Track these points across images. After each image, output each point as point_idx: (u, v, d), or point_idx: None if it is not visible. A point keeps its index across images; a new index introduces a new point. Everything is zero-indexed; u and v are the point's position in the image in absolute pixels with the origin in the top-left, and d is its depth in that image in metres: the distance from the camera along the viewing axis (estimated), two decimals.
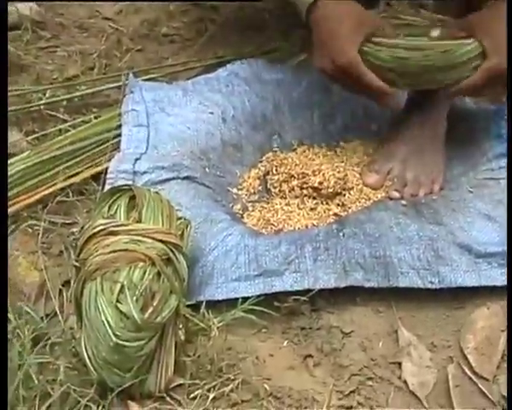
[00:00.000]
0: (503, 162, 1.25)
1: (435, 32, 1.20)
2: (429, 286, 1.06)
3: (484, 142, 1.29)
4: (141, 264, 0.91)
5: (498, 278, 1.07)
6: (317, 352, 1.01)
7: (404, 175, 1.25)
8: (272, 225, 1.17)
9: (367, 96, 1.19)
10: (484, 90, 1.18)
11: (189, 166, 1.23)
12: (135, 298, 0.86)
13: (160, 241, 0.95)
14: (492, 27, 1.13)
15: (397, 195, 1.23)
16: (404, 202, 1.20)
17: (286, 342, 1.02)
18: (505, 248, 1.09)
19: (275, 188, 1.25)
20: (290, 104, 1.39)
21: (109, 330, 0.85)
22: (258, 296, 1.03)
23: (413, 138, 1.26)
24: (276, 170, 1.26)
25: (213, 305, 1.03)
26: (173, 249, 0.96)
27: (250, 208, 1.23)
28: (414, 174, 1.25)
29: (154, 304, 0.88)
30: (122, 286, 0.87)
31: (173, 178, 1.21)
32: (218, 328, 0.98)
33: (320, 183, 1.21)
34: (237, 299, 1.03)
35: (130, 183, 1.16)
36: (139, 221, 0.97)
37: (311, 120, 1.38)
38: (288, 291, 1.04)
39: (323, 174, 1.21)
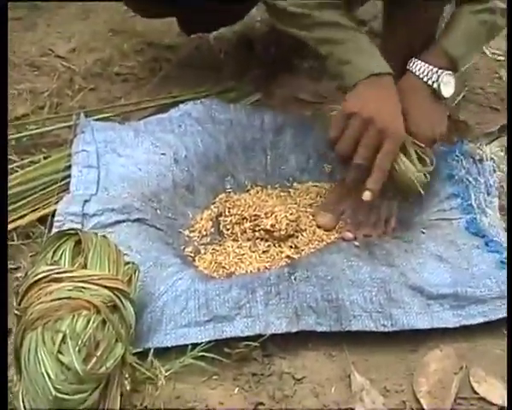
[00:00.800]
0: (455, 203, 1.26)
1: None
2: (382, 329, 1.06)
3: (435, 182, 1.30)
4: (85, 312, 0.89)
5: (450, 319, 1.07)
6: (269, 399, 0.99)
7: (357, 216, 1.25)
8: (224, 268, 1.16)
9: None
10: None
11: (140, 209, 1.21)
12: (77, 348, 0.84)
13: (106, 287, 0.93)
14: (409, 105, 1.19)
15: (350, 236, 1.23)
16: (356, 243, 1.20)
17: (237, 389, 1.00)
18: (457, 289, 1.09)
19: (227, 230, 1.24)
20: (244, 145, 1.39)
21: (49, 383, 0.82)
22: (209, 342, 1.01)
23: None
24: (229, 211, 1.25)
25: (162, 352, 1.01)
26: (120, 296, 0.94)
27: (202, 251, 1.22)
28: (367, 215, 1.25)
29: (98, 354, 0.86)
30: (64, 336, 0.85)
31: (123, 221, 1.19)
32: (166, 376, 0.96)
33: (272, 225, 1.20)
34: (187, 345, 1.01)
35: (78, 226, 1.15)
36: (84, 267, 0.95)
37: (264, 161, 1.38)
38: (238, 337, 1.03)
39: (276, 216, 1.21)
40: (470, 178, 1.29)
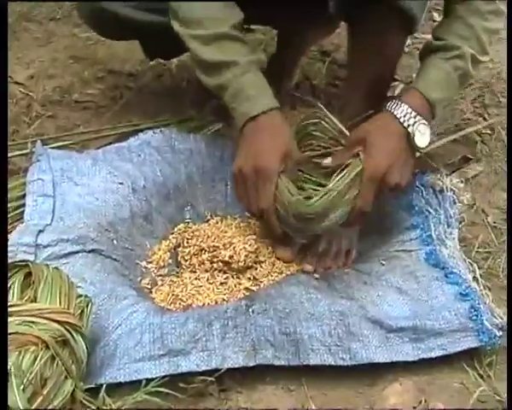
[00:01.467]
0: (414, 234, 1.26)
1: (327, 161, 1.22)
2: (341, 363, 1.05)
3: (395, 214, 1.31)
4: (32, 348, 0.86)
5: (410, 353, 1.07)
6: None
7: (317, 248, 1.25)
8: (181, 300, 1.15)
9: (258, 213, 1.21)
10: (379, 196, 1.20)
11: (96, 239, 1.20)
12: (22, 386, 0.81)
13: (56, 321, 0.90)
14: (373, 135, 1.17)
15: (310, 268, 1.22)
16: (316, 275, 1.20)
17: None
18: (416, 322, 1.09)
19: (185, 261, 1.23)
20: (203, 175, 1.38)
21: None
22: (163, 377, 0.99)
23: None
24: (188, 242, 1.24)
25: (115, 388, 0.99)
26: (71, 330, 0.91)
27: (159, 283, 1.20)
28: (327, 247, 1.25)
29: (45, 392, 0.83)
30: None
31: (78, 252, 1.17)
32: None
33: (230, 256, 1.19)
34: (141, 381, 0.99)
35: (31, 257, 1.13)
36: (34, 300, 0.92)
37: (224, 191, 1.37)
38: (194, 371, 1.01)
39: (234, 247, 1.20)
40: (430, 209, 1.30)
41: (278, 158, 1.18)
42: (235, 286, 1.18)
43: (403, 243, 1.26)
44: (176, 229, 1.31)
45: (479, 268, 1.22)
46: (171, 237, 1.29)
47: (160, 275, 1.22)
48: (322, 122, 1.25)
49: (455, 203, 1.32)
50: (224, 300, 1.15)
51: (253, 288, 1.18)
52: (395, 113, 1.19)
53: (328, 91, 1.74)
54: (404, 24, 1.21)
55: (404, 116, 1.18)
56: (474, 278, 1.19)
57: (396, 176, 1.17)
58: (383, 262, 1.21)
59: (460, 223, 1.31)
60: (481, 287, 1.17)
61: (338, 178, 1.16)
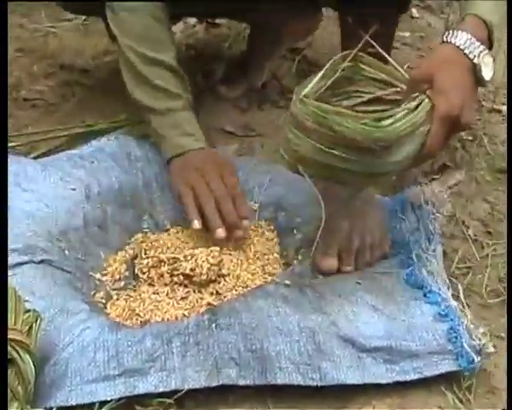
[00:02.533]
0: (394, 260, 1.29)
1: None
2: (310, 383, 1.07)
3: None
4: None
5: (383, 375, 1.09)
6: None
7: (352, 245, 1.28)
8: (138, 315, 1.16)
9: None
10: (450, 137, 1.19)
11: (45, 249, 1.21)
12: None
13: None
14: (441, 71, 1.16)
15: (350, 268, 1.27)
16: (287, 281, 1.21)
17: None
18: (391, 342, 1.11)
19: (143, 273, 1.24)
20: (163, 182, 1.40)
21: None
22: (119, 400, 1.01)
23: (353, 209, 1.29)
24: (146, 253, 1.26)
25: None
26: (17, 348, 0.92)
27: (114, 297, 1.21)
28: (361, 242, 1.28)
29: None
30: None
31: (26, 263, 1.18)
32: None
33: (192, 269, 1.21)
34: (94, 403, 1.00)
35: None
36: None
37: None
38: (152, 393, 1.02)
39: (196, 260, 1.21)
40: (409, 228, 1.33)
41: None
42: (197, 301, 1.19)
43: (382, 267, 1.29)
44: (133, 239, 1.32)
45: (459, 285, 1.25)
46: (127, 247, 1.31)
47: (116, 288, 1.23)
48: (363, 65, 1.24)
49: (434, 215, 1.35)
50: (184, 315, 1.16)
51: (216, 303, 1.19)
52: (457, 43, 1.17)
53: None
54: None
55: (468, 47, 1.16)
56: (455, 296, 1.22)
57: (468, 115, 1.15)
58: (359, 282, 1.24)
59: (439, 236, 1.34)
60: (461, 306, 1.20)
61: (408, 106, 1.12)
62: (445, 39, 1.18)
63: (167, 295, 1.20)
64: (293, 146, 1.12)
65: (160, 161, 1.42)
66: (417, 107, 1.12)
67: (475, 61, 1.16)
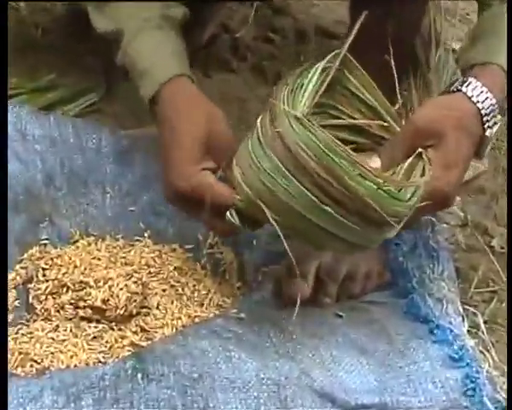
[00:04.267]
0: (389, 290, 1.32)
1: (374, 162, 1.23)
2: None
3: None
4: None
5: None
6: None
7: (339, 271, 1.30)
8: (33, 361, 1.15)
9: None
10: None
11: None
12: None
13: None
14: (452, 136, 1.21)
15: (328, 301, 1.29)
16: (241, 314, 1.22)
17: None
18: (385, 398, 1.13)
19: (40, 303, 1.24)
20: (71, 174, 1.40)
21: None
22: None
23: None
24: (44, 275, 1.26)
25: None
26: None
27: None
28: (353, 269, 1.31)
29: None
30: None
31: None
32: None
33: (104, 300, 1.21)
34: None
35: None
36: None
37: (101, 200, 1.40)
38: None
39: (111, 286, 1.22)
40: (405, 248, 1.36)
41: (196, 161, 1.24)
42: (116, 341, 1.20)
43: (372, 296, 1.31)
44: (26, 255, 1.32)
45: (478, 316, 1.28)
46: (18, 266, 1.30)
47: None
48: (350, 76, 1.28)
49: (434, 227, 1.38)
50: (99, 361, 1.16)
51: (143, 343, 1.20)
52: (480, 106, 1.22)
53: (257, 49, 1.80)
54: None
55: (489, 115, 1.23)
56: (473, 332, 1.24)
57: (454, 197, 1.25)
58: (340, 314, 1.25)
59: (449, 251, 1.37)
60: (482, 345, 1.22)
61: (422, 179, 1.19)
62: (464, 90, 1.23)
63: (72, 332, 1.20)
64: (266, 180, 1.13)
65: (68, 145, 1.42)
66: (424, 173, 1.18)
67: (487, 133, 1.23)
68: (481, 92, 1.22)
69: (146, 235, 1.38)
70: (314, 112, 1.21)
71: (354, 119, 1.27)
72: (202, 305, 1.29)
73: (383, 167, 1.22)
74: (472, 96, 1.22)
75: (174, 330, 1.23)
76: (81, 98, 1.53)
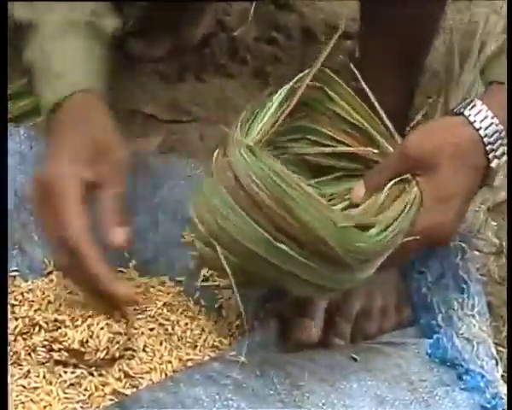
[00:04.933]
0: (411, 328, 1.32)
1: (357, 190, 1.25)
2: None
3: None
4: None
5: None
6: None
7: (352, 308, 1.31)
8: None
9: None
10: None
11: None
12: None
13: None
14: (447, 165, 1.21)
15: (340, 342, 1.30)
16: (241, 358, 1.21)
17: None
18: None
19: (7, 345, 1.21)
20: None
21: None
22: None
23: None
24: (13, 313, 1.25)
25: None
26: None
27: None
28: (367, 305, 1.32)
29: None
30: None
31: None
32: None
33: (83, 342, 1.20)
34: None
35: None
36: None
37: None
38: None
39: (90, 326, 1.21)
40: (429, 278, 1.35)
41: (81, 162, 1.25)
42: (97, 389, 1.19)
43: (391, 336, 1.31)
44: None
45: None
46: None
47: None
48: (332, 93, 1.29)
49: (464, 254, 1.37)
50: None
51: (127, 391, 1.19)
52: (482, 133, 1.21)
53: (258, 50, 1.80)
54: None
55: (494, 142, 1.21)
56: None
57: (451, 234, 1.25)
58: (355, 357, 1.25)
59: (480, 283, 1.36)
60: None
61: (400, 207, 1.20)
62: (467, 114, 1.22)
63: (46, 378, 1.19)
64: (216, 215, 1.15)
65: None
66: (409, 204, 1.20)
67: (493, 164, 1.22)
68: (485, 117, 1.21)
69: (131, 265, 1.38)
70: (292, 138, 1.27)
71: (339, 141, 1.29)
72: (195, 346, 1.29)
73: (366, 195, 1.23)
74: (475, 121, 1.21)
75: (163, 375, 1.23)
76: None
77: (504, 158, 1.22)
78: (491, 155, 1.21)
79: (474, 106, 1.21)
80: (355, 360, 1.25)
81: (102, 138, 1.29)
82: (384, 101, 1.29)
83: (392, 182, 1.21)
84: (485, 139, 1.20)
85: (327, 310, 1.29)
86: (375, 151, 1.28)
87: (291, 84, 1.24)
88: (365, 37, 1.44)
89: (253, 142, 1.15)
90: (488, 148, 1.20)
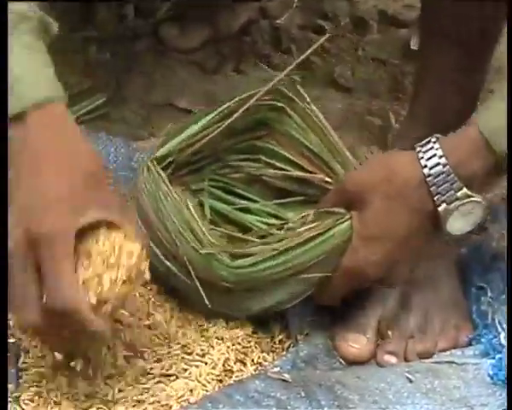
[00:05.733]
0: (473, 349, 1.29)
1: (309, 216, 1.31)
2: None
3: None
4: None
5: None
6: None
7: (407, 325, 1.30)
8: None
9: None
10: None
11: None
12: None
13: None
14: (377, 199, 1.22)
15: (392, 360, 1.28)
16: (285, 375, 1.20)
17: None
18: None
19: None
20: None
21: None
22: None
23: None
24: None
25: None
26: None
27: None
28: (423, 322, 1.30)
29: None
30: None
31: None
32: None
33: None
34: None
35: None
36: None
37: None
38: None
39: None
40: (491, 293, 1.34)
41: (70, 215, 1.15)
42: None
43: (450, 355, 1.29)
44: None
45: None
46: None
47: None
48: (292, 112, 1.33)
49: None
50: None
51: None
52: (424, 168, 1.19)
53: (304, 39, 1.78)
54: None
55: (436, 178, 1.19)
56: None
57: (383, 271, 1.26)
58: (410, 377, 1.23)
59: None
60: None
61: (302, 234, 1.24)
62: (418, 149, 1.21)
63: None
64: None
65: None
66: (315, 237, 1.24)
67: (441, 208, 1.19)
68: (433, 155, 1.18)
69: None
70: (247, 158, 1.37)
71: (297, 164, 1.35)
72: (232, 361, 1.27)
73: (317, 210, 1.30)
74: (422, 157, 1.19)
75: (200, 395, 1.21)
76: (85, 101, 1.50)
77: (456, 204, 1.18)
78: (436, 198, 1.18)
79: (428, 142, 1.19)
80: (410, 381, 1.22)
81: (92, 169, 1.19)
82: (447, 97, 1.30)
83: (312, 212, 1.29)
84: (429, 179, 1.18)
85: (379, 325, 1.29)
86: (327, 179, 1.33)
87: (230, 103, 1.33)
88: (427, 24, 1.39)
89: (154, 159, 1.28)
90: (432, 189, 1.18)
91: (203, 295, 1.23)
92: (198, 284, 1.23)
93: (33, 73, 1.20)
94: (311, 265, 1.23)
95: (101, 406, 1.19)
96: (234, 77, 1.73)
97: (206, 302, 1.24)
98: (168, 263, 1.26)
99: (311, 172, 1.34)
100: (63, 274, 1.11)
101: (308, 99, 1.32)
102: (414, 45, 1.67)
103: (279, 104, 1.33)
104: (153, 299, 1.33)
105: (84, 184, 1.16)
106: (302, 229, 1.24)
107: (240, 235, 1.31)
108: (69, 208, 1.14)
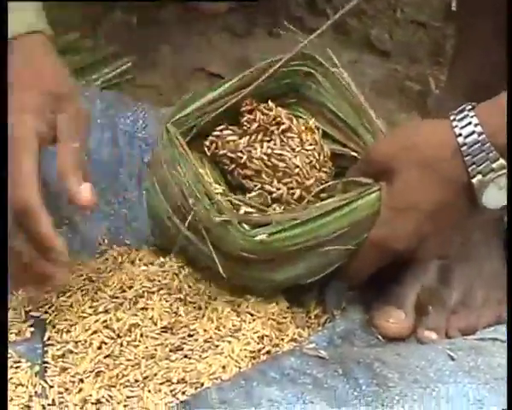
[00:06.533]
0: None
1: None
2: None
3: None
4: None
5: None
6: None
7: (447, 298, 1.31)
8: None
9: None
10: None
11: None
12: None
13: None
14: (408, 170, 1.22)
15: (432, 336, 1.28)
16: (321, 351, 1.21)
17: None
18: None
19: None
20: (97, 165, 1.41)
21: None
22: None
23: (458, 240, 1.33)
24: None
25: None
26: None
27: None
28: (464, 297, 1.31)
29: None
30: None
31: None
32: None
33: None
34: None
35: None
36: None
37: (138, 197, 1.43)
38: None
39: None
40: None
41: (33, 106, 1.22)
42: None
43: (495, 332, 1.29)
44: None
45: None
46: None
47: None
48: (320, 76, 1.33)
49: None
50: None
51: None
52: (459, 137, 1.19)
53: (340, 1, 1.76)
54: None
55: (471, 148, 1.18)
56: None
57: (431, 249, 1.27)
58: (452, 355, 1.22)
59: None
60: None
61: (325, 204, 1.24)
62: (452, 117, 1.20)
63: None
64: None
65: (95, 123, 1.42)
66: (339, 208, 1.24)
67: (475, 180, 1.18)
68: (468, 124, 1.18)
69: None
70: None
71: (327, 135, 1.35)
72: (266, 337, 1.27)
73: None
74: (456, 126, 1.19)
75: (233, 372, 1.21)
76: (110, 65, 1.50)
77: (495, 176, 1.18)
78: (471, 169, 1.18)
79: (463, 110, 1.19)
80: (452, 358, 1.22)
81: (57, 85, 1.26)
82: (487, 69, 1.30)
83: (340, 181, 1.29)
84: (464, 149, 1.17)
85: (420, 299, 1.28)
86: (355, 154, 1.33)
87: (253, 68, 1.35)
88: None
89: (172, 124, 1.27)
90: (467, 159, 1.17)
91: (218, 264, 1.22)
92: (213, 252, 1.22)
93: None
94: (335, 237, 1.23)
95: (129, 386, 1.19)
96: (267, 41, 1.72)
97: (221, 272, 1.23)
98: (187, 232, 1.25)
99: (340, 144, 1.35)
100: (20, 174, 1.16)
101: (339, 64, 1.32)
102: (455, 7, 1.67)
103: (308, 69, 1.33)
104: (184, 272, 1.33)
105: (43, 99, 1.22)
106: (327, 200, 1.25)
107: (258, 204, 1.29)
108: (30, 117, 1.20)
